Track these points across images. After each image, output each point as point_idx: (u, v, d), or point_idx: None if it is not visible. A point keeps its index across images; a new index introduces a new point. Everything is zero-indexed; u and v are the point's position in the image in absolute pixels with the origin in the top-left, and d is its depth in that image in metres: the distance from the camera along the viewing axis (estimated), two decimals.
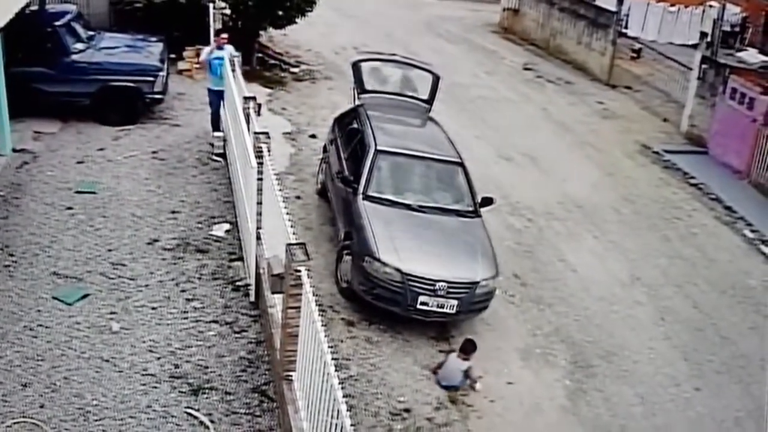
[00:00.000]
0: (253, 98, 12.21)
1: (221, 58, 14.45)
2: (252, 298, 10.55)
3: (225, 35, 15.35)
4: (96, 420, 8.19)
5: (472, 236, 11.48)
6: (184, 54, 18.99)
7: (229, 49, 14.95)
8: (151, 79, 15.47)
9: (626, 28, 27.55)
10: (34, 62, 14.58)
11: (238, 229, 12.10)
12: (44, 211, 12.05)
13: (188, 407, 8.54)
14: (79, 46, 15.54)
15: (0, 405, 8.20)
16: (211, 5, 17.52)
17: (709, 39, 21.15)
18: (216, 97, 14.90)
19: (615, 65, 24.70)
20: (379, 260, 10.55)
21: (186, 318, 10.03)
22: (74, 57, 15.18)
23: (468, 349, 10.12)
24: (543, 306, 12.11)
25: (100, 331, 9.54)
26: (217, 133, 14.91)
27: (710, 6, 28.28)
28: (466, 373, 10.01)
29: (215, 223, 12.41)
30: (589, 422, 9.93)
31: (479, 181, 13.04)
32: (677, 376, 11.05)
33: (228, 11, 19.09)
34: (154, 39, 17.03)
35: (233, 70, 13.73)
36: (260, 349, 9.64)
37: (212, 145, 14.89)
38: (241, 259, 11.44)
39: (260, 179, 10.08)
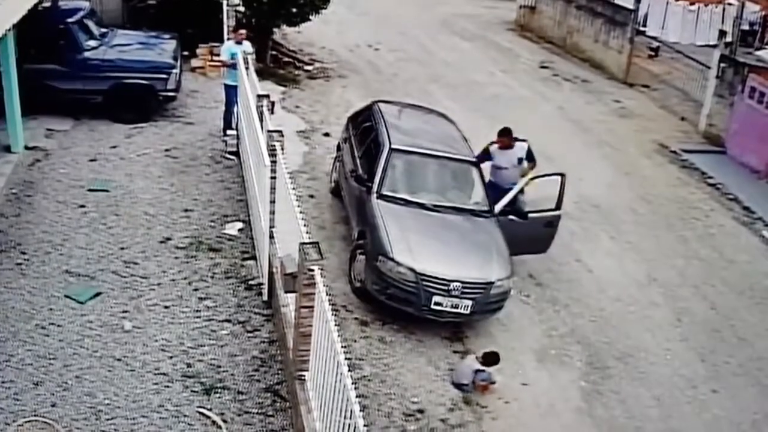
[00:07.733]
0: (267, 96, 12.16)
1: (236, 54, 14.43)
2: (265, 297, 10.50)
3: (243, 31, 15.29)
4: (108, 419, 8.16)
5: (487, 236, 11.38)
6: (198, 51, 18.98)
7: (246, 45, 14.90)
8: (164, 76, 15.42)
9: (644, 26, 27.31)
10: (46, 59, 14.58)
11: (251, 227, 12.06)
12: (56, 209, 12.04)
13: (200, 407, 8.51)
14: (92, 43, 15.52)
15: (12, 403, 8.18)
16: (224, 2, 17.49)
17: (728, 38, 20.91)
18: (235, 94, 14.82)
19: (632, 63, 24.46)
20: (392, 260, 10.46)
21: (198, 317, 10.00)
22: (87, 54, 15.17)
23: (488, 359, 9.98)
24: (558, 307, 12.00)
25: (113, 329, 9.52)
26: (230, 131, 14.87)
27: (729, 4, 28.04)
28: (475, 376, 9.89)
29: (228, 222, 12.37)
30: (604, 424, 9.83)
31: None
32: (694, 378, 10.92)
33: (242, 8, 19.06)
34: (167, 36, 17.01)
35: (246, 68, 13.70)
36: (273, 349, 9.59)
37: (225, 143, 14.84)
38: (254, 258, 11.39)
39: (273, 177, 10.01)
